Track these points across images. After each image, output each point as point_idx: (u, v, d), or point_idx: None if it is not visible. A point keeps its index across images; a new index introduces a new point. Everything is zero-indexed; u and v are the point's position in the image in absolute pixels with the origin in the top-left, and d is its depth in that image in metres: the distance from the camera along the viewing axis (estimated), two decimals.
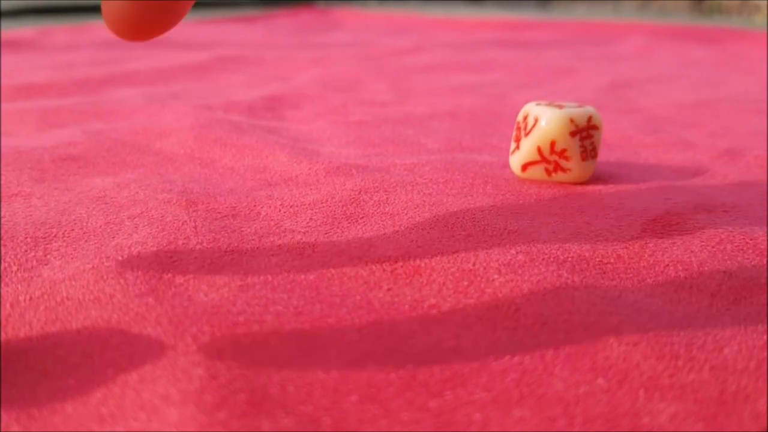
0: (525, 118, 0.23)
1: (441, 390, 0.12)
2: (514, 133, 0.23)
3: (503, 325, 0.14)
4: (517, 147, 0.23)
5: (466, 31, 0.78)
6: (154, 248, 0.17)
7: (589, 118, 0.22)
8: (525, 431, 0.11)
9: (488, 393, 0.12)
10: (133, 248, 0.17)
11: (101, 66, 0.47)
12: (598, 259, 0.17)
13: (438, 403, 0.11)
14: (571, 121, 0.22)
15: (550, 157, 0.22)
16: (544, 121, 0.22)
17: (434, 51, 0.59)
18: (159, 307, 0.14)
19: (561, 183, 0.22)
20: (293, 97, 0.37)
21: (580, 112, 0.22)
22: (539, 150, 0.22)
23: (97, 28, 0.73)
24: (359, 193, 0.21)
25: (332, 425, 0.11)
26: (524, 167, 0.22)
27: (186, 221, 0.19)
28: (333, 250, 0.17)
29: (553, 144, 0.22)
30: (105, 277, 0.16)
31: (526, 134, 0.22)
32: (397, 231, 0.18)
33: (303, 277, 0.16)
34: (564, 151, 0.22)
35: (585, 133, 0.22)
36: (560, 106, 0.22)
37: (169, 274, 0.16)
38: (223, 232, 0.18)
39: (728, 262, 0.16)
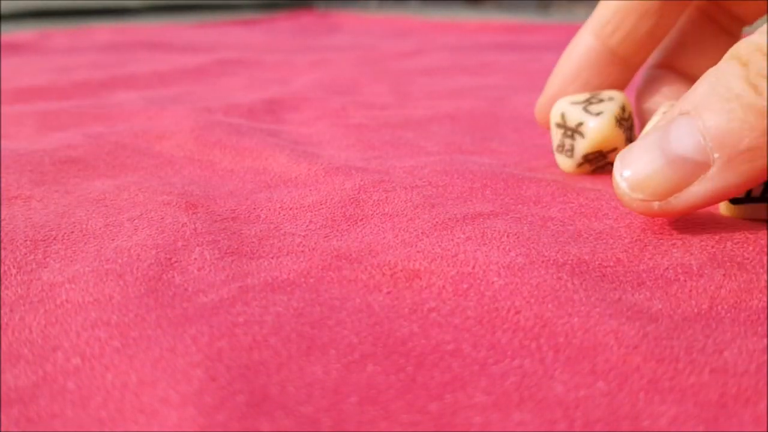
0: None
1: (441, 393, 0.12)
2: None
3: (503, 328, 0.14)
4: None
5: (466, 34, 0.78)
6: (154, 250, 0.17)
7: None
8: None
9: (488, 396, 0.12)
10: (132, 250, 0.17)
11: (101, 69, 0.47)
12: (597, 262, 0.17)
13: (438, 406, 0.11)
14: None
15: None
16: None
17: (434, 54, 0.59)
18: (158, 308, 0.14)
19: (562, 185, 0.22)
20: (293, 100, 0.37)
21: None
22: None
23: (97, 31, 0.73)
24: (358, 192, 0.21)
25: (332, 426, 0.11)
26: None
27: (186, 223, 0.19)
28: (333, 253, 0.17)
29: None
30: (104, 279, 0.16)
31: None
32: (396, 232, 0.18)
33: (303, 280, 0.16)
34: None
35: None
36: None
37: (169, 275, 0.16)
38: (222, 234, 0.18)
39: (728, 264, 0.16)
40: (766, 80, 0.14)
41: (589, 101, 0.22)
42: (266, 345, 0.13)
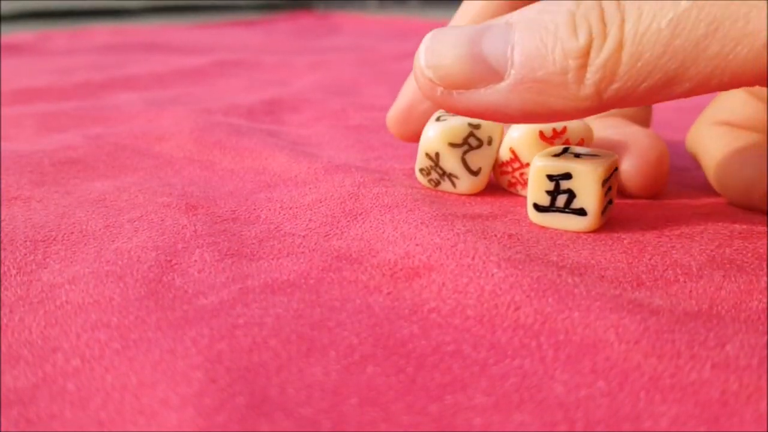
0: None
1: (441, 394, 0.12)
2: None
3: (503, 327, 0.14)
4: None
5: None
6: (154, 252, 0.17)
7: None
8: None
9: (488, 398, 0.12)
10: (132, 252, 0.17)
11: (101, 70, 0.47)
12: (596, 264, 0.17)
13: (438, 408, 0.11)
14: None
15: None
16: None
17: None
18: (158, 310, 0.14)
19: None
20: (292, 101, 0.37)
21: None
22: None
23: (96, 33, 0.73)
24: (358, 188, 0.21)
25: (332, 428, 0.11)
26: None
27: (186, 225, 0.19)
28: (333, 254, 0.17)
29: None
30: (104, 280, 0.16)
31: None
32: (396, 224, 0.18)
33: (303, 281, 0.16)
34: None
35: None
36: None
37: (169, 277, 0.16)
38: (222, 236, 0.18)
39: (727, 266, 0.16)
40: (585, 29, 0.14)
41: (467, 144, 0.20)
42: (266, 347, 0.13)
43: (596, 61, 0.14)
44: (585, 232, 0.18)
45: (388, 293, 0.15)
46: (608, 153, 0.19)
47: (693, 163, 0.26)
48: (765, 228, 0.19)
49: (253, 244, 0.18)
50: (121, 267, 0.16)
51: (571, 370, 0.12)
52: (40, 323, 0.14)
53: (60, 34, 0.71)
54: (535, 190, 0.19)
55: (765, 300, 0.15)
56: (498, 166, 0.21)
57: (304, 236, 0.18)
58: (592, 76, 0.14)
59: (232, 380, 0.12)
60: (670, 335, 0.13)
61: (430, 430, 0.11)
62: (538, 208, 0.19)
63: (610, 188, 0.19)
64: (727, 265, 0.16)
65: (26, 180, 0.23)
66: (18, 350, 0.13)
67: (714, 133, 0.22)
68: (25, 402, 0.12)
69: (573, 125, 0.20)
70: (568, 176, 0.18)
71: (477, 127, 0.20)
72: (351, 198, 0.20)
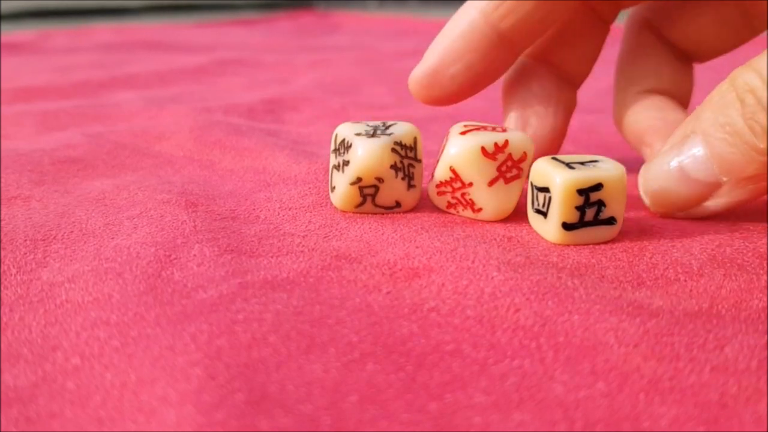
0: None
1: (441, 393, 0.12)
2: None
3: (503, 327, 0.14)
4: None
5: None
6: (153, 247, 0.17)
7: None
8: None
9: (488, 397, 0.12)
10: (131, 248, 0.17)
11: (101, 69, 0.47)
12: (596, 264, 0.17)
13: (437, 406, 0.11)
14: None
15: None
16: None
17: None
18: (158, 306, 0.14)
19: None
20: (293, 100, 0.37)
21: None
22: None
23: (96, 31, 0.73)
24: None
25: (331, 425, 0.11)
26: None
27: (185, 221, 0.19)
28: (332, 253, 0.17)
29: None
30: (104, 277, 0.16)
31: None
32: (396, 228, 0.18)
33: (302, 279, 0.16)
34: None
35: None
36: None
37: (168, 272, 0.16)
38: (222, 233, 0.18)
39: (728, 265, 0.16)
40: (761, 131, 0.16)
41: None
42: (265, 343, 0.13)
43: None
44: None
45: (388, 292, 0.15)
46: (592, 156, 0.18)
47: None
48: (765, 227, 0.19)
49: (253, 241, 0.18)
50: (120, 263, 0.16)
51: (571, 371, 0.12)
52: (40, 322, 0.14)
53: (60, 32, 0.71)
54: (565, 208, 0.17)
55: (765, 299, 0.15)
56: (435, 186, 0.19)
57: (303, 236, 0.18)
58: None
59: (231, 377, 0.12)
60: (669, 338, 0.13)
61: (429, 429, 0.11)
62: (567, 226, 0.17)
63: None
64: (728, 264, 0.16)
65: (26, 179, 0.23)
66: (18, 349, 0.13)
67: (645, 106, 0.22)
68: (24, 401, 0.12)
69: (514, 138, 0.18)
70: (598, 187, 0.17)
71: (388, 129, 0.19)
72: None
